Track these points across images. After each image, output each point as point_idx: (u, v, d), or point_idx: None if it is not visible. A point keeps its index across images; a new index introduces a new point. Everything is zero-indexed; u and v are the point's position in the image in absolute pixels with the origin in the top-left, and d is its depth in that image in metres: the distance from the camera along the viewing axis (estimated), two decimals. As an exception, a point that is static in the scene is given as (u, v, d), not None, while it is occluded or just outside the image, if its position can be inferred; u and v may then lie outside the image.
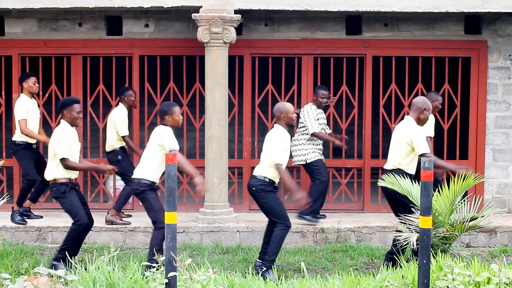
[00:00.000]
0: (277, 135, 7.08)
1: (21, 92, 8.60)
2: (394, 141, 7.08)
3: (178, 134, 10.06)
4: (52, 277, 4.66)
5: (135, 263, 5.27)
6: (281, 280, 5.27)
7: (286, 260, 7.68)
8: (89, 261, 5.24)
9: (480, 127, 9.30)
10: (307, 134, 8.69)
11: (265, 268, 6.93)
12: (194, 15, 8.42)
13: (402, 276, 5.13)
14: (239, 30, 9.02)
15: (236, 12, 8.47)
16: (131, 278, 4.98)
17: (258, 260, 7.16)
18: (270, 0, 8.50)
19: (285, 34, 9.35)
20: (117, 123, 8.64)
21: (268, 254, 7.03)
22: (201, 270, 4.83)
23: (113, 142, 8.70)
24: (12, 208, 8.69)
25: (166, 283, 4.60)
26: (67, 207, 7.07)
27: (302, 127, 8.76)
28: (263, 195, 7.07)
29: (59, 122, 7.13)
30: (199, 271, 4.75)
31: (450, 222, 6.27)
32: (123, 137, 8.64)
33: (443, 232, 6.25)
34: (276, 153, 6.99)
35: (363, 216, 9.08)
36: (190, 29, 9.25)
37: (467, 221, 6.30)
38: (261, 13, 9.01)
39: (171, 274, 4.59)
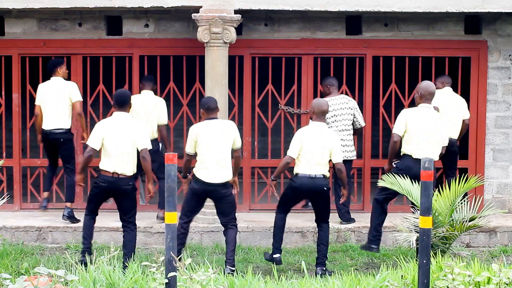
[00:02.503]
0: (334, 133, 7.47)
1: (53, 76, 8.52)
2: (434, 130, 7.27)
3: (178, 134, 10.16)
4: (52, 277, 4.66)
5: (135, 263, 5.27)
6: (281, 280, 5.28)
7: (286, 260, 7.68)
8: (89, 261, 5.25)
9: (480, 127, 9.30)
10: (351, 129, 8.77)
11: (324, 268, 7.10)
12: (194, 15, 8.41)
13: (402, 276, 5.13)
14: (239, 30, 9.02)
15: (236, 12, 8.47)
16: (131, 278, 4.98)
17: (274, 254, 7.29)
18: (270, 0, 8.50)
19: (285, 34, 9.35)
20: (162, 111, 8.63)
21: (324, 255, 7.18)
22: (201, 270, 4.84)
23: (151, 131, 8.54)
24: (66, 206, 8.55)
25: (166, 283, 4.61)
26: (135, 204, 7.06)
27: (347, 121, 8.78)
28: (329, 193, 7.28)
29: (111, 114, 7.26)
30: (199, 271, 4.76)
31: (450, 222, 6.28)
32: (164, 125, 8.63)
33: (443, 232, 6.25)
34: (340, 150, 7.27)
35: (363, 216, 9.05)
36: (190, 29, 9.25)
37: (467, 221, 6.31)
38: (261, 13, 9.01)
39: (171, 274, 4.59)
